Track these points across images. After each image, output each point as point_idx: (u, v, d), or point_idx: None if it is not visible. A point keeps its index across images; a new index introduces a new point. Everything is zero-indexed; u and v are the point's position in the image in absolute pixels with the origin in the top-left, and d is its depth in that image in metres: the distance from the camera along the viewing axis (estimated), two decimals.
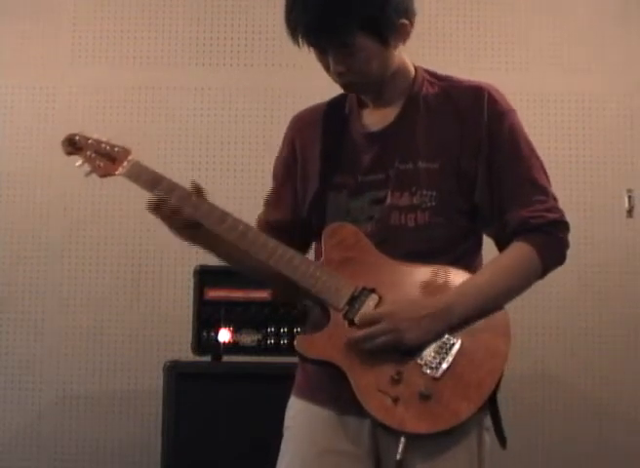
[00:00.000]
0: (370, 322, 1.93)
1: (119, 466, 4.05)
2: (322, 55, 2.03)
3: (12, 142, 4.23)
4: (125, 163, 2.12)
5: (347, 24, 1.95)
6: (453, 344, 1.93)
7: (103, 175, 2.15)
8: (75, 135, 2.17)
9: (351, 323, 1.96)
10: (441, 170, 2.03)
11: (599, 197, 4.19)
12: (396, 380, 1.91)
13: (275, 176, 2.25)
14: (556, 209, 2.05)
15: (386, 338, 1.91)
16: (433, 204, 2.02)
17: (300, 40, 2.00)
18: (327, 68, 2.05)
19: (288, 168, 2.21)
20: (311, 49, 2.03)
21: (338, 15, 1.94)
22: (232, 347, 3.56)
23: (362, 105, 2.16)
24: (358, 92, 2.13)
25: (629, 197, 4.16)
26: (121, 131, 4.18)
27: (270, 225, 2.17)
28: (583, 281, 4.13)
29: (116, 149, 2.14)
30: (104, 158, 2.14)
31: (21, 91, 4.26)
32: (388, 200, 2.04)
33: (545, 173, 2.08)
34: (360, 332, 1.93)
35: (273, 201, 2.24)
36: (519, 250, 2.01)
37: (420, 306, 1.94)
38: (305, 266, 2.01)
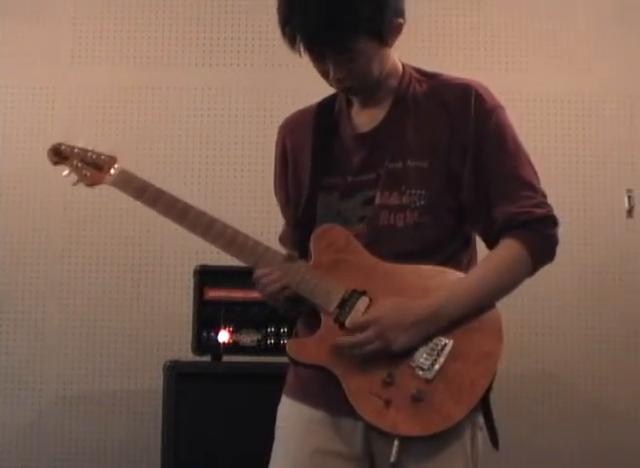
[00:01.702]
0: (358, 328, 1.93)
1: (119, 466, 4.05)
2: (320, 61, 2.02)
3: (12, 142, 4.23)
4: (112, 171, 2.13)
5: (352, 30, 1.94)
6: (445, 345, 1.92)
7: (91, 185, 2.15)
8: (61, 144, 2.17)
9: (342, 326, 1.96)
10: (430, 168, 2.02)
11: (599, 197, 4.18)
12: (388, 383, 1.91)
13: (279, 198, 2.25)
14: (544, 204, 2.03)
15: (374, 346, 1.91)
16: (422, 203, 2.01)
17: (301, 48, 1.99)
18: (324, 74, 2.04)
19: (284, 179, 2.21)
20: (307, 54, 2.01)
21: (342, 21, 1.93)
22: (232, 347, 3.56)
23: (351, 105, 2.15)
24: (356, 94, 2.12)
25: (629, 197, 4.16)
26: (121, 131, 4.19)
27: (296, 244, 2.15)
28: (583, 281, 4.13)
29: (102, 157, 2.14)
30: (91, 167, 2.14)
31: (21, 91, 4.26)
32: (377, 199, 2.04)
33: (533, 169, 2.06)
34: (347, 340, 1.93)
35: (288, 221, 2.24)
36: (508, 248, 2.00)
37: (409, 311, 1.93)
38: (296, 269, 2.00)
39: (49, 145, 2.18)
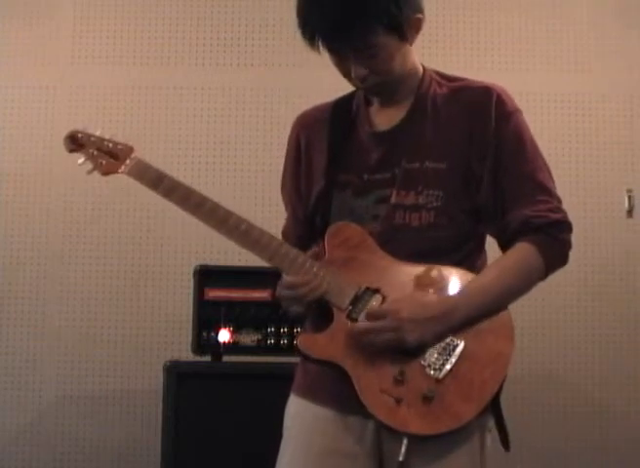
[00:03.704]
0: (374, 317, 1.92)
1: (119, 466, 4.05)
2: (341, 60, 2.02)
3: (12, 142, 4.23)
4: (128, 161, 2.11)
5: (369, 25, 1.94)
6: (456, 346, 1.92)
7: (106, 173, 2.13)
8: (78, 132, 2.15)
9: (354, 322, 1.95)
10: (448, 170, 2.03)
11: (599, 197, 4.19)
12: (399, 381, 1.90)
13: (286, 193, 2.24)
14: (559, 209, 2.04)
15: (389, 336, 1.90)
16: (439, 204, 2.02)
17: (321, 46, 1.99)
18: (346, 74, 2.04)
19: (296, 174, 2.20)
20: (329, 55, 2.02)
21: (359, 16, 1.93)
22: (232, 347, 3.56)
23: (369, 104, 2.15)
24: (378, 93, 2.11)
25: (629, 197, 4.16)
26: (121, 131, 4.17)
27: (302, 239, 2.14)
28: (583, 281, 4.13)
29: (119, 147, 2.13)
30: (107, 156, 2.12)
31: (21, 91, 4.26)
32: (393, 199, 2.04)
33: (550, 173, 2.07)
34: (363, 325, 1.93)
35: (293, 216, 2.23)
36: (522, 250, 2.01)
37: (424, 307, 1.93)
38: (309, 265, 2.00)
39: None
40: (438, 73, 2.15)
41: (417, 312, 1.92)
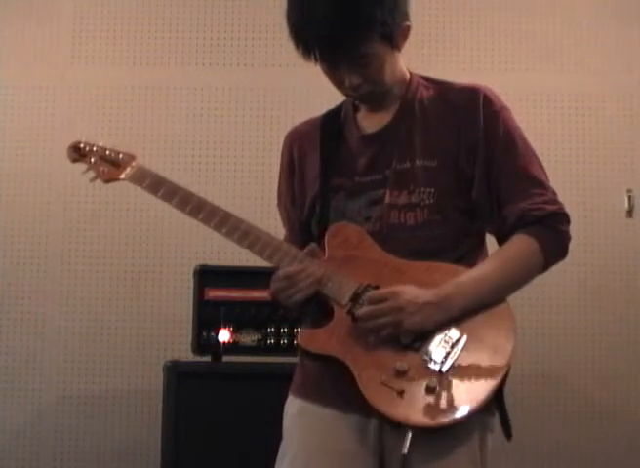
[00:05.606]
0: (376, 300, 1.94)
1: (119, 466, 4.05)
2: (333, 70, 2.04)
3: (12, 142, 4.23)
4: (129, 168, 2.15)
5: (365, 35, 1.97)
6: (458, 339, 1.93)
7: (108, 181, 2.18)
8: (80, 142, 2.21)
9: (354, 319, 1.96)
10: (439, 167, 2.04)
11: (599, 197, 4.19)
12: (401, 373, 1.91)
13: (283, 205, 2.25)
14: (555, 201, 2.05)
15: (389, 318, 1.91)
16: (432, 201, 2.03)
17: (317, 57, 2.00)
18: (338, 82, 2.06)
19: (290, 186, 2.21)
20: (320, 64, 2.03)
21: (354, 28, 1.95)
22: (232, 347, 3.56)
23: (357, 110, 2.17)
24: (369, 101, 2.13)
25: (629, 197, 4.16)
26: (121, 131, 4.19)
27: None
28: (583, 281, 4.13)
29: (121, 156, 2.18)
30: (109, 164, 2.17)
31: (21, 91, 4.26)
32: (387, 199, 2.05)
33: (542, 167, 2.09)
34: (366, 308, 1.94)
35: (291, 227, 2.24)
36: (520, 241, 2.02)
37: (423, 293, 1.94)
38: (309, 263, 2.01)
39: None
40: (423, 77, 2.17)
41: (416, 295, 1.93)
